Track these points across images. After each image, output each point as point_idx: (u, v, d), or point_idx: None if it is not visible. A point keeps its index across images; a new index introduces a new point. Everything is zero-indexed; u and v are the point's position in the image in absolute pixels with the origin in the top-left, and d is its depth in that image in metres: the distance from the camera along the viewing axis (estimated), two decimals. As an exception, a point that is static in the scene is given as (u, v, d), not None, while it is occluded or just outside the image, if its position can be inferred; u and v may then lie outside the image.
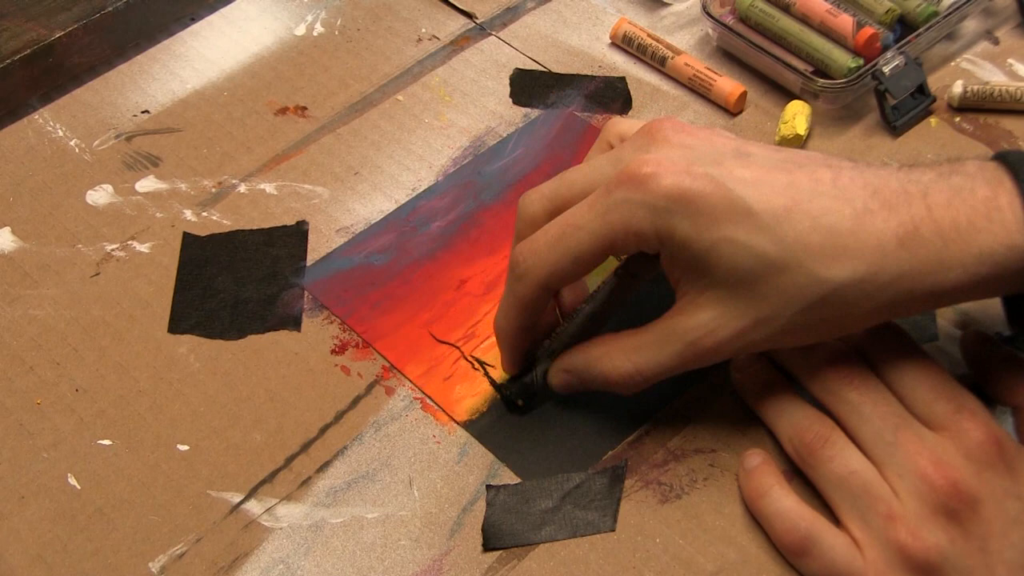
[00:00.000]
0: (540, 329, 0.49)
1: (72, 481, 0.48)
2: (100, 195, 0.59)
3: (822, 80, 0.59)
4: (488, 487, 0.47)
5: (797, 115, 0.59)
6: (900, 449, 0.43)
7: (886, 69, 0.59)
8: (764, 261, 0.42)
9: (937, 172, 0.43)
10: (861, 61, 0.60)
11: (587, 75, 0.64)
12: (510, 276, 0.46)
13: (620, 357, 0.46)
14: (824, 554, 0.43)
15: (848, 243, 0.42)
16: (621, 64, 0.65)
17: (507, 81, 0.64)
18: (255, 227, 0.57)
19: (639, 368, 0.46)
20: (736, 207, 0.42)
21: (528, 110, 0.62)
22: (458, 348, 0.52)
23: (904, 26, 0.62)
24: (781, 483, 0.45)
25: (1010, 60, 0.63)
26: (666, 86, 0.63)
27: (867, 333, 0.46)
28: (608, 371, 0.46)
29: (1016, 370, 0.46)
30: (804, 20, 0.62)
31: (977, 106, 0.60)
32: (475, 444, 0.49)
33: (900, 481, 0.42)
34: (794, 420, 0.46)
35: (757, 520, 0.45)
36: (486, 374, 0.51)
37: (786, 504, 0.44)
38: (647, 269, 0.47)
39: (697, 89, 0.62)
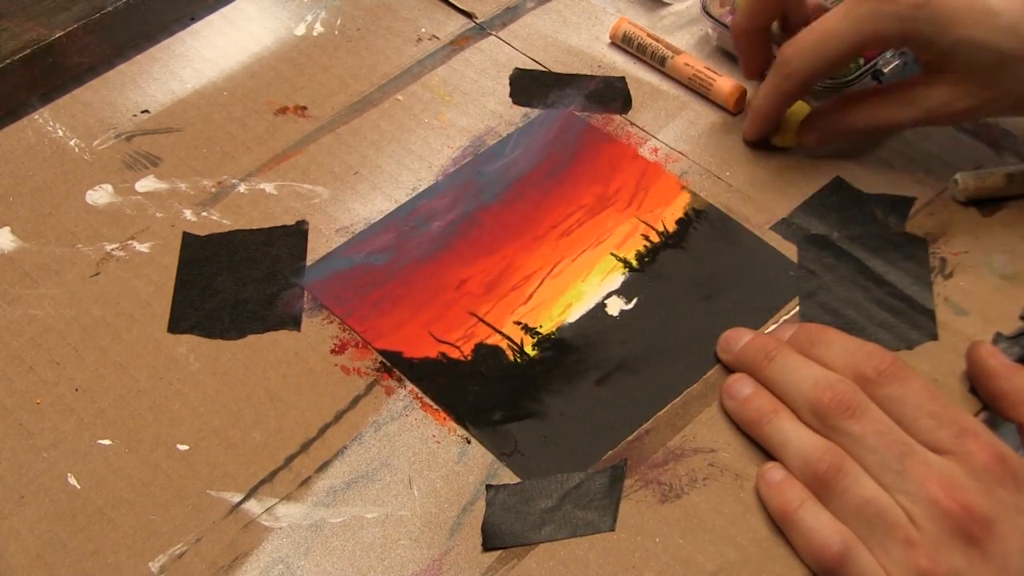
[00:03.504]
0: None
1: (72, 481, 0.48)
2: (100, 195, 0.59)
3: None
4: (488, 487, 0.47)
5: (792, 115, 0.59)
6: (909, 476, 0.43)
7: (886, 69, 0.59)
8: (1001, 55, 0.50)
9: None
10: (861, 61, 0.60)
11: (587, 75, 0.64)
12: (778, 73, 0.55)
13: (865, 112, 0.56)
14: (858, 573, 0.42)
15: None
16: (621, 64, 0.65)
17: (507, 81, 0.64)
18: (255, 227, 0.57)
19: (880, 121, 0.55)
20: (976, 8, 0.49)
21: (528, 110, 0.62)
22: (458, 348, 0.52)
23: (904, 26, 0.62)
24: (811, 496, 0.44)
25: (1010, 60, 0.63)
26: (666, 86, 0.63)
27: (863, 367, 0.46)
28: (854, 122, 0.56)
29: (1020, 384, 0.46)
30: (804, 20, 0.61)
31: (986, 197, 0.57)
32: (475, 444, 0.49)
33: (913, 507, 0.42)
34: (803, 452, 0.45)
35: (784, 532, 0.45)
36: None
37: (822, 519, 0.44)
38: None
39: (697, 89, 0.62)
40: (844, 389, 0.45)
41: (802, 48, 0.54)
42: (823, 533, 0.43)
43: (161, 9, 0.67)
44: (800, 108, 0.59)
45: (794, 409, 0.47)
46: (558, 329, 0.53)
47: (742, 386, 0.48)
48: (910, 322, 0.52)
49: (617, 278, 0.54)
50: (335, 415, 0.50)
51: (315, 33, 0.67)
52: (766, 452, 0.47)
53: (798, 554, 0.44)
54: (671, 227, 0.57)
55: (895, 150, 0.59)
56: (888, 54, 0.59)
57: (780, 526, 0.45)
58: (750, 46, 0.59)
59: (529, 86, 0.64)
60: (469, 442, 0.49)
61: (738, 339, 0.50)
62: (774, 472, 0.46)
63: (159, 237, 0.57)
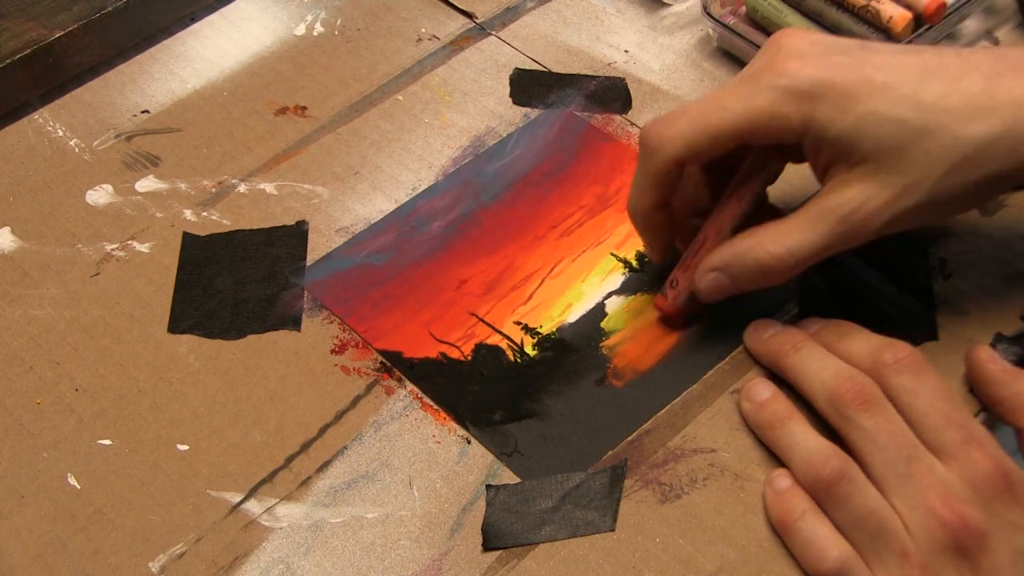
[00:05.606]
0: (676, 214, 0.52)
1: (72, 481, 0.48)
2: (100, 195, 0.59)
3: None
4: (488, 487, 0.47)
5: None
6: (912, 481, 0.43)
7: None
8: (907, 128, 0.45)
9: None
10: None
11: (587, 75, 0.64)
12: (642, 153, 0.48)
13: (771, 243, 0.47)
14: None
15: (983, 102, 0.44)
16: (621, 64, 0.65)
17: (507, 81, 0.64)
18: (255, 227, 0.57)
19: (791, 251, 0.47)
20: (873, 84, 0.45)
21: (528, 110, 0.62)
22: (458, 348, 0.52)
23: (904, 26, 0.62)
24: (814, 507, 0.44)
25: (1010, 60, 0.63)
26: (666, 86, 0.63)
27: (883, 353, 0.46)
28: (760, 257, 0.47)
29: (1019, 390, 0.47)
30: (813, 18, 0.61)
31: None
32: (475, 444, 0.49)
33: (910, 514, 0.42)
34: (808, 455, 0.45)
35: (784, 541, 0.45)
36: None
37: (821, 531, 0.44)
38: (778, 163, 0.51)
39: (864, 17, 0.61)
40: (864, 382, 0.45)
41: (674, 121, 0.47)
42: (820, 545, 0.43)
43: (161, 9, 0.67)
44: None
45: (811, 399, 0.47)
46: (558, 329, 0.53)
47: (762, 390, 0.48)
48: (910, 322, 0.52)
49: (617, 278, 0.54)
50: (335, 415, 0.50)
51: (315, 33, 0.67)
52: (768, 453, 0.47)
53: (797, 564, 0.44)
54: (671, 227, 0.56)
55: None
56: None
57: (780, 535, 0.45)
58: (649, 227, 0.51)
59: (529, 86, 0.64)
60: (469, 442, 0.49)
61: (767, 327, 0.50)
62: (780, 480, 0.46)
63: (159, 237, 0.57)
